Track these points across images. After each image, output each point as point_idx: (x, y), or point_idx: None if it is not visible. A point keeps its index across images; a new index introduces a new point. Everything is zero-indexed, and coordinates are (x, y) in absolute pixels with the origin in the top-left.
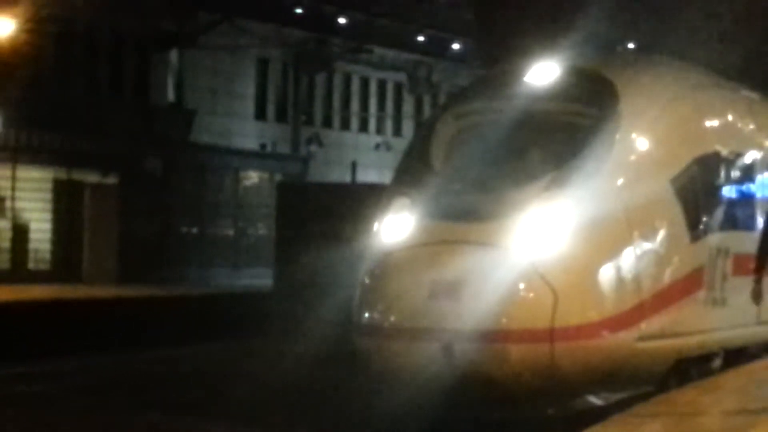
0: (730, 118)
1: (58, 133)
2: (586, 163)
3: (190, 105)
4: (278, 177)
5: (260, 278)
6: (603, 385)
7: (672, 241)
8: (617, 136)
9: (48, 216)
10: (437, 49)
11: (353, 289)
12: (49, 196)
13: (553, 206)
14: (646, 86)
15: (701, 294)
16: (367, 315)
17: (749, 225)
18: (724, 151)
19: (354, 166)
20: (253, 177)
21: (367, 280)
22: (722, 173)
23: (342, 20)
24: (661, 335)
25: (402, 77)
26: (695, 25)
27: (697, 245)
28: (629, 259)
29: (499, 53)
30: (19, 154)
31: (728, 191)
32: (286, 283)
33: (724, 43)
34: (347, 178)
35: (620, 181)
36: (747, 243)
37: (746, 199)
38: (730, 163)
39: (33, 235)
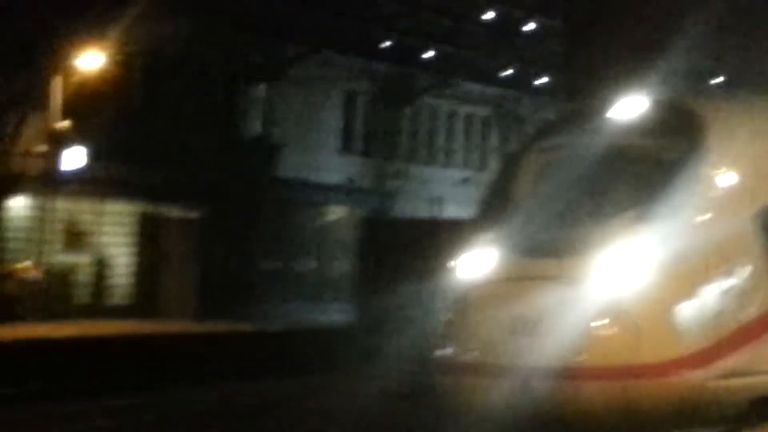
0: None
1: (144, 167)
2: (672, 199)
3: (276, 138)
4: (362, 212)
5: (342, 313)
6: (683, 423)
7: (755, 278)
8: (704, 171)
9: (130, 250)
10: (523, 82)
11: (434, 325)
12: (133, 229)
13: (637, 242)
14: (733, 121)
15: None
16: (447, 351)
17: None
18: None
19: (439, 201)
20: (337, 211)
21: (447, 316)
22: None
23: (428, 54)
24: (741, 373)
25: (488, 111)
26: None
27: None
28: (712, 295)
29: (586, 87)
30: (105, 187)
31: None
32: (367, 319)
33: None
34: (432, 213)
35: (705, 217)
36: None
37: None
38: None
39: (116, 270)
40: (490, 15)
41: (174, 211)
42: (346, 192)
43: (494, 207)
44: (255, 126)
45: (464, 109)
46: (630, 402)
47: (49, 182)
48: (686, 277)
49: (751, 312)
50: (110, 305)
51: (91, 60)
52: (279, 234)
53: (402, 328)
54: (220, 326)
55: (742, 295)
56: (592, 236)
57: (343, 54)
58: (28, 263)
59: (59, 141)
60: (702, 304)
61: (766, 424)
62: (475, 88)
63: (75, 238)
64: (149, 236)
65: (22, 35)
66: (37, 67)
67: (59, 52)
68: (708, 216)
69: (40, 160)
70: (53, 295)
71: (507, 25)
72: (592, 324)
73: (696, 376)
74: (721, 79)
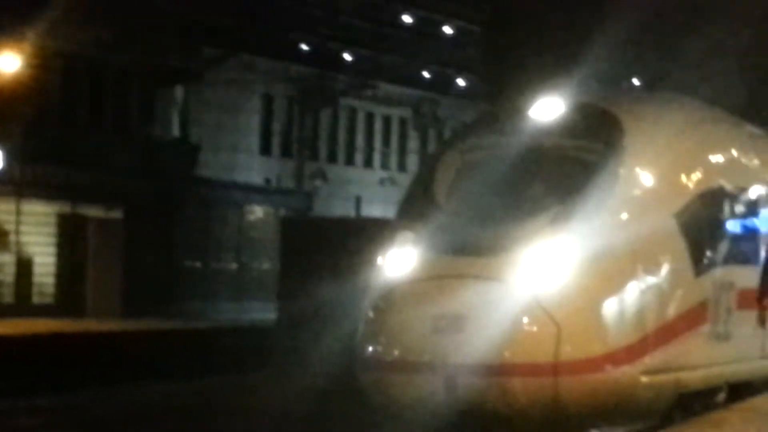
0: (734, 153)
1: (62, 168)
2: (591, 198)
3: (194, 140)
4: (282, 212)
5: (264, 312)
6: (606, 419)
7: (676, 276)
8: (621, 171)
9: (52, 250)
10: (442, 84)
11: (357, 324)
12: (53, 230)
13: (557, 241)
14: (650, 121)
15: (705, 328)
16: (370, 349)
17: (753, 259)
18: (728, 186)
19: (358, 201)
20: (257, 212)
21: (370, 314)
22: (726, 208)
23: (347, 56)
24: (665, 369)
25: (407, 113)
26: (699, 62)
27: (701, 279)
28: (633, 293)
29: (504, 89)
30: (23, 188)
31: (732, 226)
32: (289, 317)
33: (728, 79)
34: (352, 213)
35: (624, 216)
36: (751, 277)
37: (750, 233)
38: (734, 198)
39: (37, 269)
40: (408, 19)
41: (95, 212)
42: (266, 192)
43: (416, 207)
44: (174, 128)
45: (383, 111)
46: (555, 398)
47: None
48: (606, 275)
49: (675, 309)
50: (34, 305)
51: (8, 62)
52: (200, 234)
53: (325, 327)
54: (145, 325)
55: (665, 292)
56: (512, 235)
57: (261, 56)
58: None
59: None
60: (624, 302)
61: (692, 419)
62: (394, 90)
63: None
64: (71, 236)
65: None
66: None
67: None
68: (627, 215)
69: None
70: None
71: (425, 28)
72: (515, 321)
73: (621, 373)
74: (637, 82)
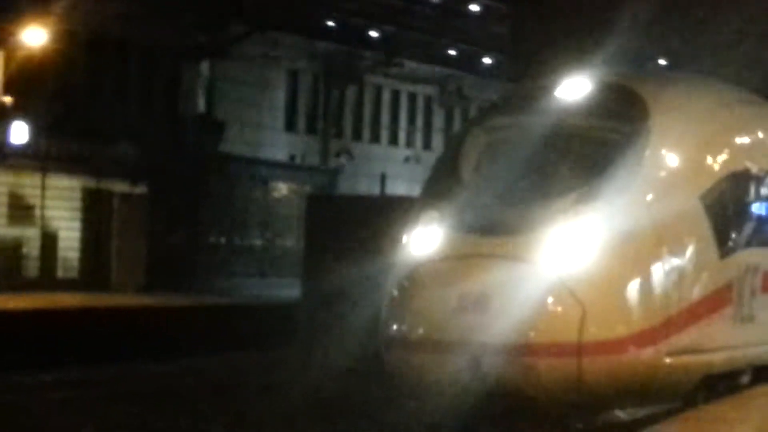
0: (760, 135)
1: (87, 142)
2: (616, 179)
3: (220, 116)
4: (307, 189)
5: (288, 289)
6: (630, 400)
7: (701, 257)
8: (647, 152)
9: (77, 225)
10: (468, 62)
11: (381, 302)
12: (78, 204)
13: (581, 221)
14: (676, 102)
15: (730, 310)
16: (394, 328)
17: None
18: (754, 168)
19: (383, 179)
20: (282, 188)
21: (395, 293)
22: (752, 190)
23: (372, 33)
24: (690, 351)
25: (432, 90)
26: (727, 43)
27: (726, 261)
28: (658, 274)
29: (530, 68)
30: (48, 162)
31: (758, 208)
32: (313, 295)
33: (755, 61)
34: (376, 191)
35: (650, 197)
36: None
37: None
38: (760, 179)
39: (61, 243)
40: None
41: (120, 186)
42: (291, 169)
43: (441, 185)
44: (199, 103)
45: (408, 88)
46: (579, 378)
47: None
48: (631, 256)
49: (699, 291)
50: (59, 279)
51: (33, 36)
52: (224, 210)
53: (349, 305)
54: (169, 300)
55: (689, 274)
56: (537, 215)
57: (287, 32)
58: None
59: (1, 116)
60: (648, 284)
61: (717, 401)
62: (419, 67)
63: (20, 212)
64: (95, 211)
65: None
66: None
67: (1, 27)
68: (652, 196)
69: None
70: (1, 268)
71: (452, 5)
72: (539, 301)
73: (645, 354)
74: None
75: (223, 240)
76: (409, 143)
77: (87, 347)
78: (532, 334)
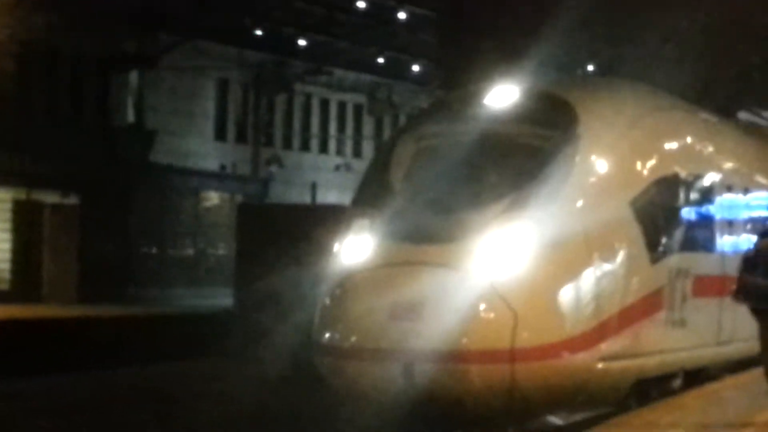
0: (689, 140)
1: (17, 154)
2: (546, 185)
3: (150, 126)
4: (238, 198)
5: (220, 298)
6: (563, 406)
7: (632, 263)
8: (577, 158)
9: (7, 236)
10: (397, 71)
11: (313, 310)
12: (8, 216)
13: (512, 228)
14: (605, 108)
15: (661, 315)
16: (327, 335)
17: (709, 246)
18: (683, 173)
19: (314, 187)
20: (213, 198)
21: (327, 301)
22: (681, 195)
23: (301, 42)
24: (622, 356)
25: (362, 99)
26: (653, 49)
27: (657, 266)
28: (589, 280)
29: (459, 76)
30: None
31: (687, 213)
32: (245, 303)
33: (681, 66)
34: (307, 199)
35: (580, 203)
36: (706, 264)
37: (705, 220)
38: (689, 184)
39: None
40: (362, 4)
41: (50, 198)
42: (221, 178)
43: (371, 194)
44: (129, 114)
45: (338, 97)
46: (512, 384)
47: None
48: (562, 262)
49: (631, 296)
50: None
51: None
52: (156, 220)
53: (281, 313)
54: (102, 311)
55: (620, 280)
56: (468, 222)
57: (216, 42)
58: None
59: None
60: (580, 289)
61: (650, 405)
62: (348, 76)
63: None
64: (26, 222)
65: None
66: None
67: None
68: (583, 202)
69: None
70: None
71: (380, 13)
72: (471, 308)
73: (577, 359)
74: (591, 68)
75: (155, 250)
76: (340, 151)
77: (16, 359)
78: (464, 340)
